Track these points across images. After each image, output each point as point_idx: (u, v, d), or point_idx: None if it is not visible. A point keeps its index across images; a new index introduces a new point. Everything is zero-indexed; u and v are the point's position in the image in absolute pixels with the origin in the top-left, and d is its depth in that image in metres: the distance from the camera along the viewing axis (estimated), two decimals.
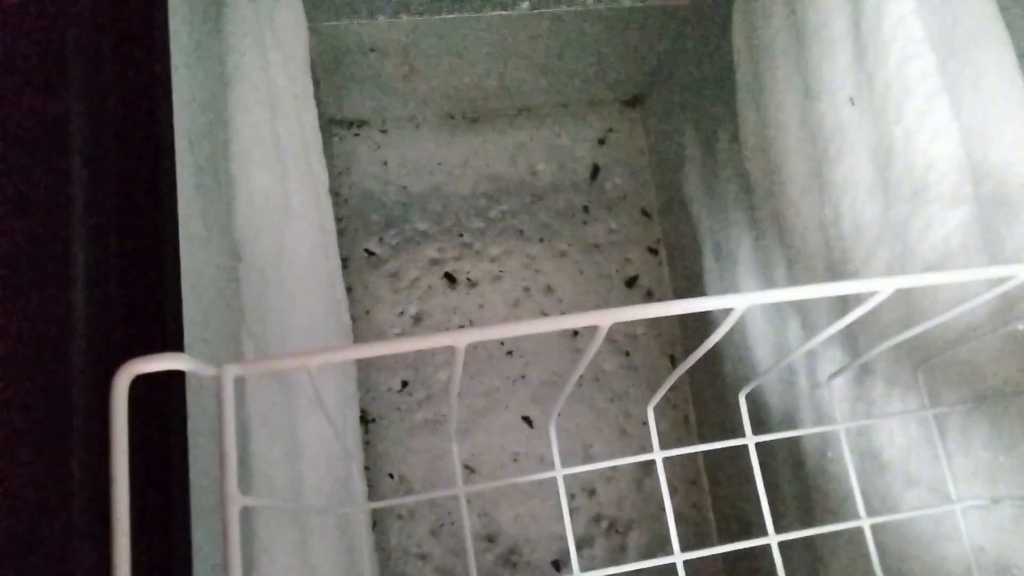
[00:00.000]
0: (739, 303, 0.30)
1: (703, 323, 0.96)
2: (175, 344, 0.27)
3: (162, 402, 0.27)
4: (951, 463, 0.48)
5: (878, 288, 0.30)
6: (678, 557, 0.45)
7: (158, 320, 0.27)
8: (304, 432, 0.44)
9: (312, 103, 0.59)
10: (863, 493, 0.56)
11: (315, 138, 0.57)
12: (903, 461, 0.51)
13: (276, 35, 0.51)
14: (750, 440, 0.47)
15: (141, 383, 0.25)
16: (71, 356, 0.26)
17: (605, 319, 0.30)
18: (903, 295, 0.51)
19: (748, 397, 0.48)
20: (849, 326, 0.57)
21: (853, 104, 0.55)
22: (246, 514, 0.35)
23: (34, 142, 0.28)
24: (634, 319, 0.30)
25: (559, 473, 0.47)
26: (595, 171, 1.10)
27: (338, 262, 0.54)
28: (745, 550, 0.45)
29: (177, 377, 0.28)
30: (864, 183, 0.54)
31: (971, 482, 0.47)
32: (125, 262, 0.27)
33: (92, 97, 0.29)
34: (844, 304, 0.57)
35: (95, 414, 0.26)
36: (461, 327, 1.03)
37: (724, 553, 0.96)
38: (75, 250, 0.26)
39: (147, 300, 0.27)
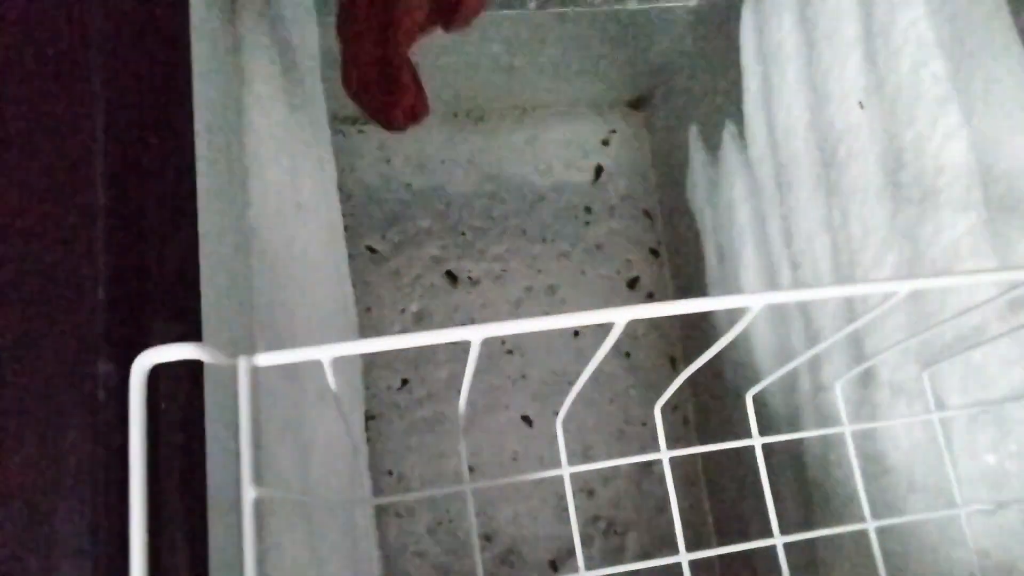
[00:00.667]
0: (754, 302, 0.30)
1: (705, 324, 0.96)
2: (193, 336, 0.27)
3: (179, 393, 0.27)
4: (956, 467, 0.48)
5: (896, 289, 0.30)
6: (683, 557, 0.45)
7: (177, 311, 0.27)
8: (312, 427, 0.44)
9: (322, 98, 0.59)
10: (873, 494, 0.56)
11: (324, 133, 0.57)
12: (907, 465, 0.51)
13: (288, 28, 0.51)
14: (756, 441, 0.47)
15: (160, 374, 0.25)
16: (89, 346, 0.25)
17: (621, 316, 0.30)
18: (911, 298, 0.51)
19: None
20: (856, 331, 0.57)
21: (863, 108, 0.55)
22: (256, 507, 0.35)
23: (56, 137, 0.28)
24: (649, 316, 0.30)
25: (565, 472, 0.47)
26: (598, 172, 1.10)
27: (345, 258, 0.54)
28: (742, 553, 0.45)
29: (195, 369, 0.28)
30: (873, 186, 0.54)
31: (977, 486, 0.47)
32: (144, 252, 0.27)
33: (113, 89, 0.29)
34: (850, 307, 0.57)
35: (112, 403, 0.26)
36: (462, 325, 1.02)
37: (721, 556, 0.96)
38: (96, 240, 0.26)
39: (166, 290, 0.27)
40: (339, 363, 0.51)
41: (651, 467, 1.02)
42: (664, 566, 0.48)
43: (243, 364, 0.27)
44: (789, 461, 0.73)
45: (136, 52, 0.29)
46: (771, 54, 0.67)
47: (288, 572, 0.36)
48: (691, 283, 1.00)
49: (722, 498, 0.98)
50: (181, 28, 0.30)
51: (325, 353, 0.28)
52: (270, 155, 0.42)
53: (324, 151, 0.55)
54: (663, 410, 0.47)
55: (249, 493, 0.26)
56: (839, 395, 0.47)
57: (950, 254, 0.48)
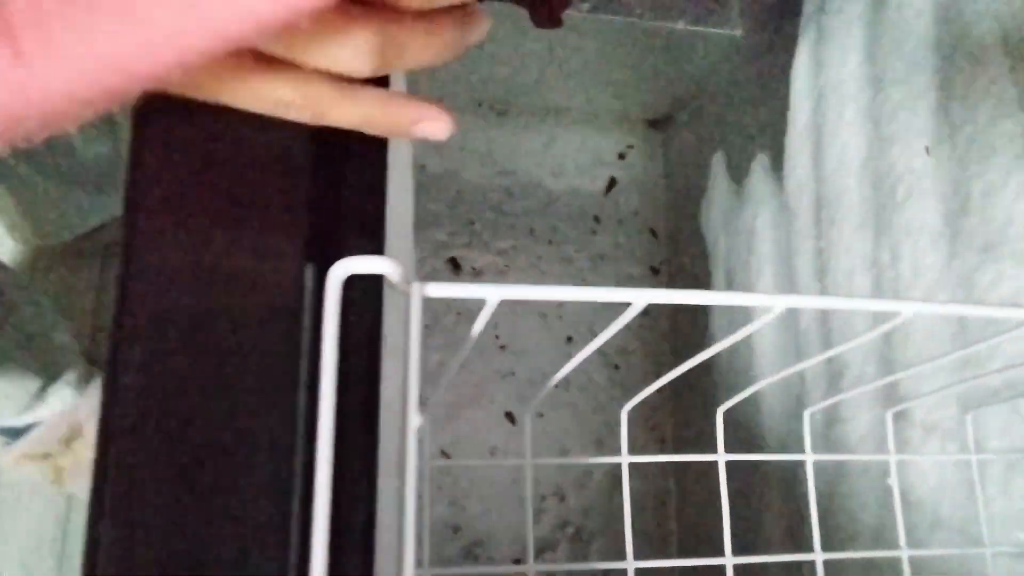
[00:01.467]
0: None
1: (696, 342, 0.97)
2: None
3: (364, 309, 0.26)
4: (988, 508, 0.49)
5: (1012, 315, 0.31)
6: (728, 560, 0.45)
7: (367, 230, 0.27)
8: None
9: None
10: (884, 529, 0.57)
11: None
12: (934, 502, 0.53)
13: None
14: (804, 458, 0.48)
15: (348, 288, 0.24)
16: (291, 252, 0.25)
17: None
18: (960, 339, 0.52)
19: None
20: (888, 363, 0.59)
21: (928, 153, 0.57)
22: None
23: None
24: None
25: (624, 460, 0.47)
26: (611, 184, 1.11)
27: (411, 222, 0.54)
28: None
29: (378, 287, 0.28)
30: (930, 230, 0.56)
31: (1007, 528, 0.49)
32: (344, 165, 0.27)
33: None
34: (888, 343, 0.59)
35: (308, 308, 0.25)
36: (459, 314, 1.02)
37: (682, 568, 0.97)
38: (301, 151, 0.26)
39: (359, 209, 0.27)
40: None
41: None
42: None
43: (416, 290, 0.27)
44: (779, 488, 0.75)
45: None
46: (829, 90, 0.69)
47: None
48: (689, 306, 1.01)
49: (689, 517, 0.99)
50: None
51: (493, 293, 0.28)
52: None
53: None
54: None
55: (414, 419, 0.26)
56: (889, 425, 0.48)
57: (1008, 304, 0.50)
